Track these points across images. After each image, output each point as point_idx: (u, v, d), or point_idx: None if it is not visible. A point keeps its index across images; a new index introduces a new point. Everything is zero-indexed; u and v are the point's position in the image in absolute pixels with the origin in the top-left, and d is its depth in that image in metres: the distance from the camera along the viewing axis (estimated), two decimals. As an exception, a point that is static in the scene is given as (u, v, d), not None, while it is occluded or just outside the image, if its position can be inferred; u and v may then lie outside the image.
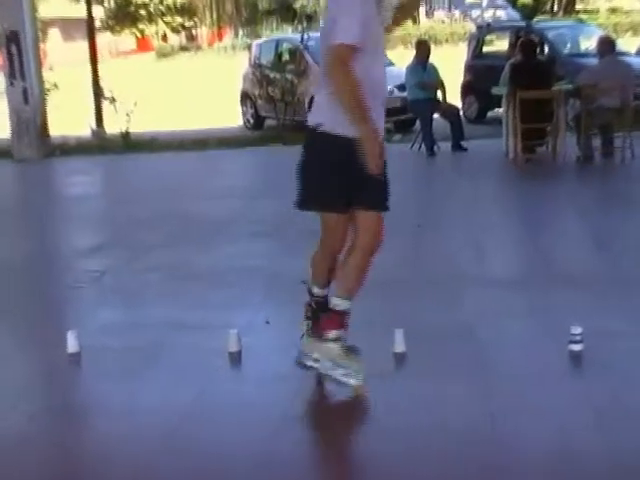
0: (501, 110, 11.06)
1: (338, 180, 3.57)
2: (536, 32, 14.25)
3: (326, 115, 3.52)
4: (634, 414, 3.39)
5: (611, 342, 4.13)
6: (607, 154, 9.85)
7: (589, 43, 13.79)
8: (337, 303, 3.68)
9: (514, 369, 3.92)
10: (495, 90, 11.02)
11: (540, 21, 19.12)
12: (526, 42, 10.96)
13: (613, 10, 34.71)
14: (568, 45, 14.89)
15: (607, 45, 10.18)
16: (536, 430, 3.30)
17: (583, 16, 26.65)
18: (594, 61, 10.73)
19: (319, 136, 3.57)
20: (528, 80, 9.81)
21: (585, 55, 13.33)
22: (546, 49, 14.15)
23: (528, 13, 26.64)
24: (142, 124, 13.71)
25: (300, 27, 24.52)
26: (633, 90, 10.09)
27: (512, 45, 13.63)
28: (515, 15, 26.98)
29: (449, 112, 11.29)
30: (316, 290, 3.82)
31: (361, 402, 3.65)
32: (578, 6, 35.08)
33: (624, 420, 3.35)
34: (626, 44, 16.63)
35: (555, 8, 35.08)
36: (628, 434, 3.25)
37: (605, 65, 9.89)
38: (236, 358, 4.20)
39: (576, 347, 3.98)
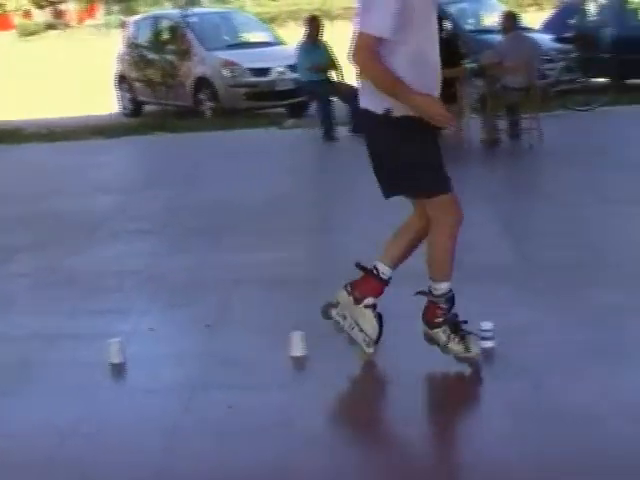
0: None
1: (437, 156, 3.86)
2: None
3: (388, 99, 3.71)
4: (550, 412, 3.50)
5: (523, 337, 4.24)
6: (514, 136, 10.11)
7: (492, 18, 14.11)
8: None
9: (421, 368, 3.98)
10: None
11: (440, -5, 19.44)
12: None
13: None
14: (470, 20, 15.22)
15: (511, 21, 10.44)
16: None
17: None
18: (497, 38, 11.00)
19: (396, 121, 3.75)
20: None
21: (488, 31, 13.65)
22: (447, 25, 14.41)
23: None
24: (4, 113, 13.35)
25: (181, 2, 24.30)
26: (539, 68, 10.40)
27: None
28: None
29: (347, 94, 11.35)
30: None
31: (255, 412, 3.64)
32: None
33: (540, 419, 3.45)
34: (530, 19, 17.11)
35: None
36: (545, 434, 3.35)
37: (509, 42, 10.14)
38: (119, 370, 4.14)
39: (487, 344, 4.07)
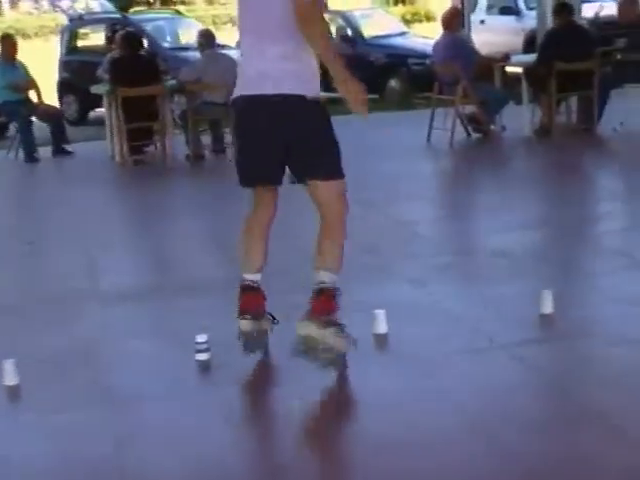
0: (104, 109, 11.01)
1: None
2: (133, 25, 14.41)
3: (311, 82, 3.77)
4: (269, 420, 3.58)
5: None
6: (217, 151, 10.26)
7: (189, 36, 14.23)
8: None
9: (139, 389, 3.93)
10: (94, 89, 10.97)
11: (137, 13, 19.31)
12: (127, 35, 11.04)
13: (210, 2, 36.12)
14: (168, 38, 15.25)
15: (207, 38, 10.58)
16: (168, 454, 3.35)
17: (180, 8, 27.37)
18: (196, 55, 11.11)
19: (317, 104, 3.80)
20: (130, 76, 9.88)
21: (186, 49, 13.75)
22: (145, 43, 14.36)
23: (123, 4, 26.76)
24: None
25: None
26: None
27: (109, 39, 13.63)
28: (109, 6, 27.02)
29: (48, 114, 10.99)
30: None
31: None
32: (175, -3, 35.98)
33: (255, 423, 3.52)
34: (226, 37, 17.41)
35: (151, -1, 35.65)
36: (262, 439, 3.42)
37: (207, 59, 10.27)
38: None
39: (203, 356, 4.09)
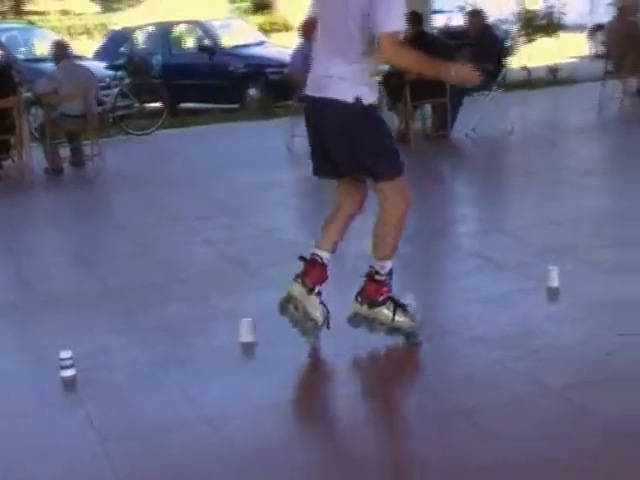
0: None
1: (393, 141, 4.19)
2: (-15, 35, 13.98)
3: (360, 88, 3.93)
4: (139, 433, 3.53)
5: (106, 359, 4.24)
6: (77, 163, 10.05)
7: (44, 47, 13.90)
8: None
9: (4, 405, 3.81)
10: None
11: (-12, 23, 18.76)
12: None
13: (65, 12, 35.30)
14: (22, 49, 14.85)
15: (62, 49, 10.36)
16: (36, 469, 3.26)
17: (34, 18, 26.70)
18: (51, 66, 10.85)
19: (365, 108, 3.94)
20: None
21: (41, 60, 13.42)
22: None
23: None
24: None
25: None
26: (96, 95, 10.43)
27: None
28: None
29: None
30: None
31: None
32: (28, 7, 35.01)
33: (126, 438, 3.46)
34: (82, 47, 17.09)
35: (3, 8, 34.57)
36: (133, 457, 3.37)
37: (63, 71, 10.05)
38: None
39: (67, 372, 4.00)
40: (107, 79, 12.94)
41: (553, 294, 4.71)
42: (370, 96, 3.99)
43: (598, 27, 17.51)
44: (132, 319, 4.86)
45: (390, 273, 4.17)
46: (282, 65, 13.08)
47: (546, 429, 3.29)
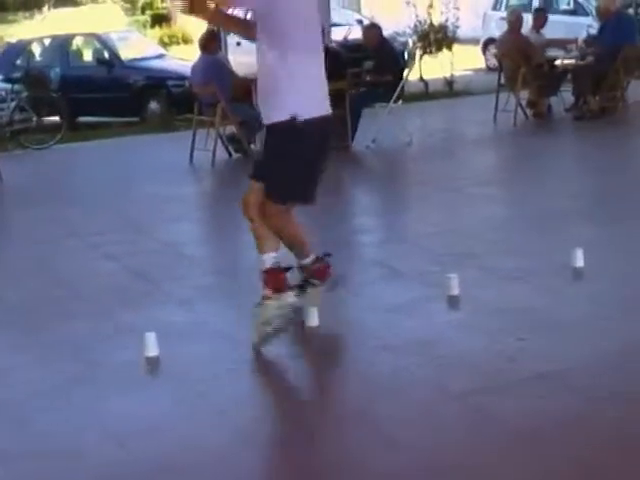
0: None
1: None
2: None
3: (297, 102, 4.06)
4: (42, 454, 3.43)
5: (4, 379, 4.12)
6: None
7: None
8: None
9: None
10: None
11: None
12: None
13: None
14: None
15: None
16: None
17: None
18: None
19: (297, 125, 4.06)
20: None
21: None
22: None
23: None
24: None
25: None
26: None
27: None
28: None
29: None
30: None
31: None
32: None
33: (25, 457, 3.37)
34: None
35: None
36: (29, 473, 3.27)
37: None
38: None
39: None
40: (3, 92, 12.61)
41: (454, 302, 4.78)
42: None
43: (490, 40, 17.94)
44: (31, 336, 4.73)
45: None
46: (183, 78, 12.99)
47: (448, 435, 3.32)
